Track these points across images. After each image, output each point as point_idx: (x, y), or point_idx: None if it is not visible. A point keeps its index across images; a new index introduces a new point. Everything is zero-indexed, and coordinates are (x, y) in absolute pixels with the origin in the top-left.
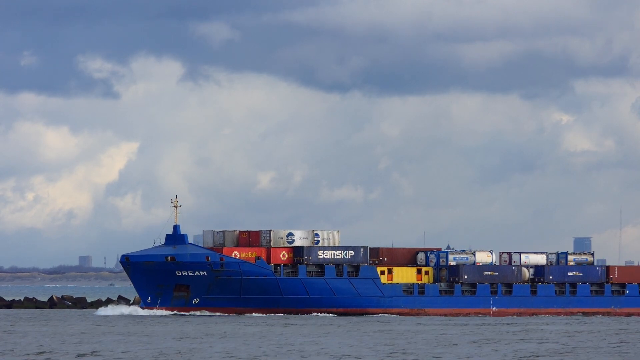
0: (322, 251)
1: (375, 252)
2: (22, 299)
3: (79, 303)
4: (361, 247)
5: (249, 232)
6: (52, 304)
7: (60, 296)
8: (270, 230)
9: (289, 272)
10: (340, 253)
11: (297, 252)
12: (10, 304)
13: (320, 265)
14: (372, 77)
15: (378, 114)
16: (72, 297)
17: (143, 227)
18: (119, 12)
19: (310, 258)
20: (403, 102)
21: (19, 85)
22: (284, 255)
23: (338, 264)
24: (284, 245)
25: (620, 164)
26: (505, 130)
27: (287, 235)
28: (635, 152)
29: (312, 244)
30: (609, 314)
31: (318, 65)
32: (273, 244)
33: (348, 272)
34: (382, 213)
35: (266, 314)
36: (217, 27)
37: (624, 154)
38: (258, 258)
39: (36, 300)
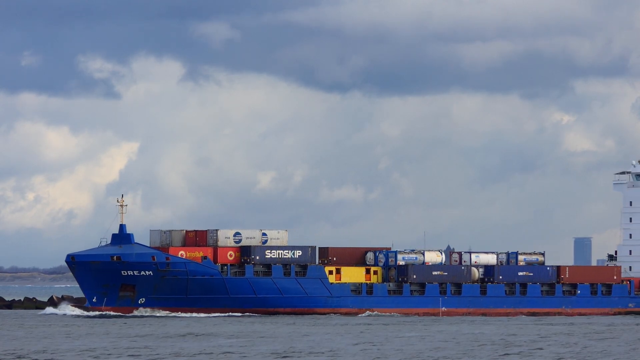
0: (269, 251)
1: (324, 251)
2: (22, 299)
3: (81, 302)
4: (309, 246)
5: (195, 231)
6: (52, 303)
7: (60, 296)
8: (217, 230)
9: (236, 271)
10: (288, 253)
11: (244, 251)
12: (10, 304)
13: (268, 265)
14: (372, 77)
15: (378, 114)
16: (72, 297)
17: (143, 227)
18: (120, 12)
19: (258, 258)
20: (403, 102)
21: (20, 86)
22: (231, 255)
23: (286, 264)
24: (231, 245)
25: (621, 164)
26: (505, 130)
27: (234, 235)
28: (636, 152)
29: (259, 244)
30: (559, 314)
31: (318, 65)
32: (220, 243)
33: (296, 272)
34: (382, 213)
35: (212, 313)
36: (217, 27)
37: (624, 154)
38: (204, 258)
39: (36, 300)
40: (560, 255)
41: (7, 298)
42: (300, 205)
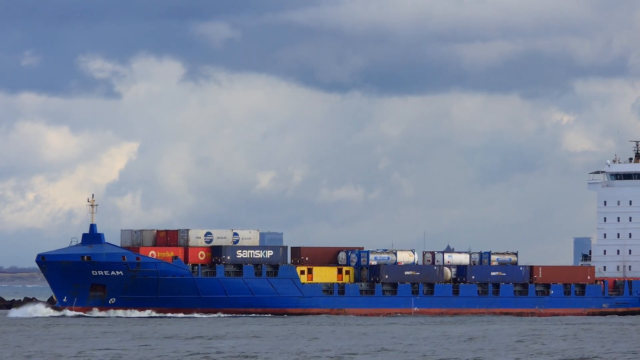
0: (240, 251)
1: (296, 251)
2: (22, 299)
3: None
4: (280, 246)
5: (166, 231)
6: (52, 303)
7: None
8: (188, 230)
9: (207, 271)
10: (259, 253)
11: (215, 251)
12: (10, 304)
13: (239, 265)
14: (372, 77)
15: (378, 114)
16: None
17: (143, 227)
18: (120, 12)
19: (229, 258)
20: (403, 102)
21: (20, 85)
22: (201, 255)
23: (257, 264)
24: (202, 245)
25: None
26: (505, 130)
27: (205, 235)
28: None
29: (231, 244)
30: (532, 314)
31: (318, 65)
32: (191, 243)
33: (267, 272)
34: (382, 213)
35: (183, 314)
36: (218, 27)
37: (625, 154)
38: (175, 258)
39: (36, 300)
40: (560, 255)
41: (7, 298)
42: (300, 205)
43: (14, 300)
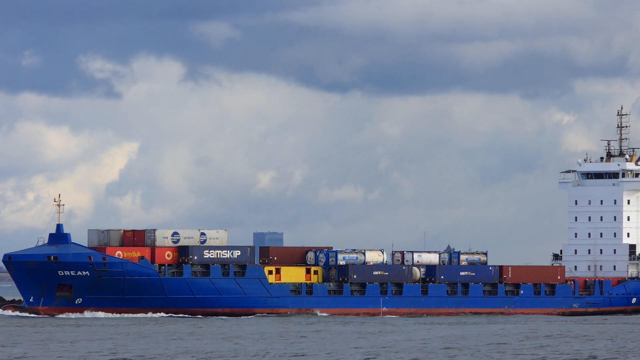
0: (207, 251)
1: (265, 251)
2: (22, 299)
3: None
4: (248, 246)
5: (133, 231)
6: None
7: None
8: (154, 230)
9: (174, 272)
10: (227, 253)
11: (182, 251)
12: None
13: (206, 265)
14: (372, 77)
15: (378, 114)
16: None
17: (143, 227)
18: (120, 12)
19: (196, 258)
20: (403, 102)
21: (20, 86)
22: (168, 255)
23: (225, 264)
24: (169, 245)
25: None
26: (505, 130)
27: (172, 235)
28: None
29: (198, 244)
30: (502, 314)
31: (318, 65)
32: (158, 243)
33: (234, 272)
34: (382, 213)
35: (150, 314)
36: (218, 27)
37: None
38: (142, 258)
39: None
40: None
41: (7, 298)
42: (300, 205)
43: (13, 299)
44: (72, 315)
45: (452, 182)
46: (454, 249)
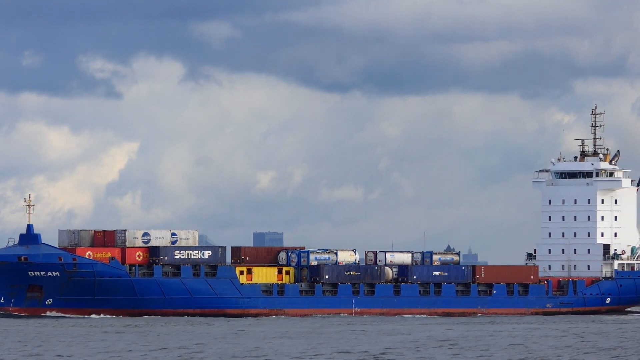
0: (178, 251)
1: (237, 251)
2: None
3: None
4: (219, 247)
5: (104, 231)
6: None
7: None
8: (125, 230)
9: (144, 272)
10: (198, 253)
11: (153, 252)
12: None
13: (177, 266)
14: (372, 77)
15: (378, 114)
16: None
17: (143, 227)
18: (120, 12)
19: (166, 258)
20: (403, 102)
21: (20, 86)
22: (139, 256)
23: (195, 264)
24: (140, 246)
25: (621, 164)
26: (505, 130)
27: (143, 235)
28: (636, 152)
29: (169, 244)
30: (475, 314)
31: (318, 65)
32: (128, 244)
33: (205, 272)
34: (382, 213)
35: (120, 315)
36: (218, 27)
37: (625, 155)
38: (112, 258)
39: None
40: None
41: None
42: (300, 205)
43: None
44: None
45: (452, 182)
46: (453, 248)
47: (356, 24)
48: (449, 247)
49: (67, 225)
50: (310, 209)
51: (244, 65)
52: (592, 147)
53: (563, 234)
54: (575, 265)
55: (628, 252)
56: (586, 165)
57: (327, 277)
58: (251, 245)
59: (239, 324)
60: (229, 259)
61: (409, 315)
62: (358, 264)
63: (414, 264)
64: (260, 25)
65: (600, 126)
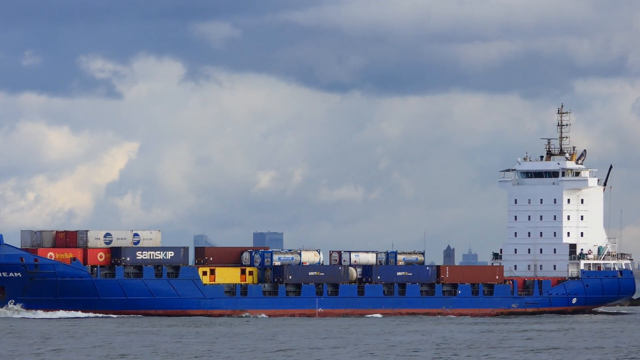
0: (140, 252)
1: (200, 251)
2: None
3: None
4: (182, 247)
5: (66, 232)
6: None
7: None
8: (87, 231)
9: (106, 273)
10: (160, 254)
11: (115, 252)
12: None
13: (139, 267)
14: (372, 77)
15: (378, 114)
16: None
17: (143, 227)
18: (121, 12)
19: (128, 259)
20: (403, 102)
21: (21, 86)
22: (101, 257)
23: (158, 265)
24: (101, 246)
25: (621, 164)
26: (506, 130)
27: (105, 236)
28: (636, 152)
29: (131, 245)
30: (440, 314)
31: (318, 65)
32: (90, 244)
33: (168, 273)
34: (382, 213)
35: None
36: (218, 27)
37: (625, 155)
38: (74, 259)
39: None
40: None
41: None
42: (300, 205)
43: None
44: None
45: (452, 182)
46: (453, 248)
47: (356, 24)
48: (449, 247)
49: (67, 225)
50: (310, 209)
51: (244, 65)
52: (558, 146)
53: (529, 233)
54: (541, 265)
55: (595, 252)
56: (552, 165)
57: (290, 277)
58: (251, 245)
59: (270, 324)
60: (192, 260)
61: (377, 315)
62: (322, 264)
63: (379, 264)
64: (260, 25)
65: (567, 125)
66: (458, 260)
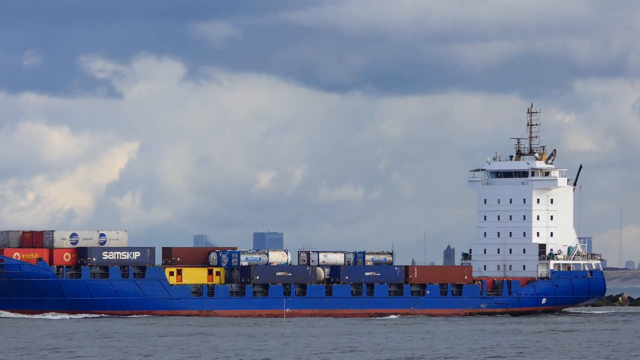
0: (107, 252)
1: (168, 252)
2: None
3: None
4: (148, 247)
5: (32, 232)
6: None
7: None
8: (53, 231)
9: (72, 273)
10: (126, 254)
11: (81, 253)
12: None
13: (105, 267)
14: (372, 77)
15: (378, 114)
16: None
17: (143, 227)
18: (121, 12)
19: (94, 259)
20: (403, 102)
21: (21, 86)
22: (67, 257)
23: (124, 265)
24: (68, 246)
25: (621, 164)
26: (506, 130)
27: (71, 236)
28: (636, 152)
29: (97, 245)
30: (408, 314)
31: (318, 65)
32: (56, 244)
33: (134, 273)
34: (382, 213)
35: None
36: (218, 28)
37: (625, 155)
38: (39, 259)
39: None
40: None
41: None
42: (300, 205)
43: None
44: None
45: (452, 182)
46: (453, 248)
47: (356, 24)
48: (449, 247)
49: (67, 225)
50: (310, 209)
51: (244, 65)
52: (527, 146)
53: (498, 233)
54: (510, 265)
55: (564, 252)
56: (521, 165)
57: (257, 277)
58: (251, 245)
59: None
60: (159, 260)
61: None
62: (290, 264)
63: (347, 264)
64: (260, 25)
65: (536, 125)
66: (458, 260)
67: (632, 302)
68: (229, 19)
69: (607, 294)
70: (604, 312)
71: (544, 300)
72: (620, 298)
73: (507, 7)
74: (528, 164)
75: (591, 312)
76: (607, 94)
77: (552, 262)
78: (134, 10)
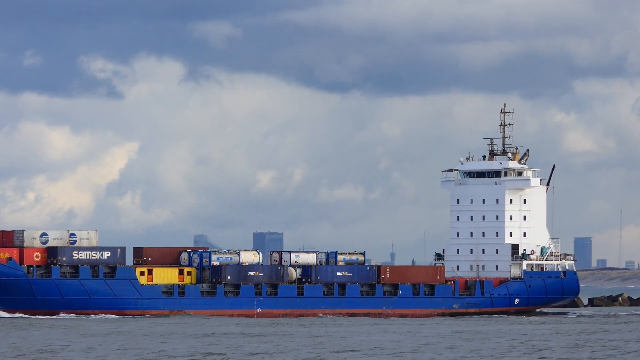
0: (77, 252)
1: (139, 251)
2: None
3: None
4: (118, 247)
5: (2, 231)
6: None
7: None
8: (23, 230)
9: (42, 273)
10: (97, 254)
11: (51, 252)
12: None
13: (76, 267)
14: (372, 77)
15: (378, 114)
16: None
17: (143, 226)
18: (121, 12)
19: (65, 259)
20: (403, 102)
21: (22, 86)
22: (37, 256)
23: (94, 265)
24: (38, 246)
25: (621, 164)
26: (505, 130)
27: (41, 236)
28: (636, 152)
29: (67, 245)
30: (380, 315)
31: (318, 65)
32: (26, 244)
33: (104, 273)
34: (382, 213)
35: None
36: (218, 27)
37: (625, 154)
38: (9, 259)
39: None
40: None
41: None
42: (300, 205)
43: None
44: None
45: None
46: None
47: (356, 24)
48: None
49: (67, 225)
50: (310, 209)
51: (244, 65)
52: (500, 146)
53: (471, 233)
54: (483, 266)
55: (537, 252)
56: (494, 165)
57: (229, 277)
58: (251, 245)
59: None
60: (130, 260)
61: (322, 315)
62: (261, 264)
63: (319, 264)
64: (260, 25)
65: (509, 125)
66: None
67: (632, 302)
68: (229, 18)
69: (607, 294)
70: (605, 312)
71: (516, 301)
72: (620, 298)
73: (507, 7)
74: (501, 164)
75: (567, 311)
76: (607, 94)
77: (525, 263)
78: (134, 10)
